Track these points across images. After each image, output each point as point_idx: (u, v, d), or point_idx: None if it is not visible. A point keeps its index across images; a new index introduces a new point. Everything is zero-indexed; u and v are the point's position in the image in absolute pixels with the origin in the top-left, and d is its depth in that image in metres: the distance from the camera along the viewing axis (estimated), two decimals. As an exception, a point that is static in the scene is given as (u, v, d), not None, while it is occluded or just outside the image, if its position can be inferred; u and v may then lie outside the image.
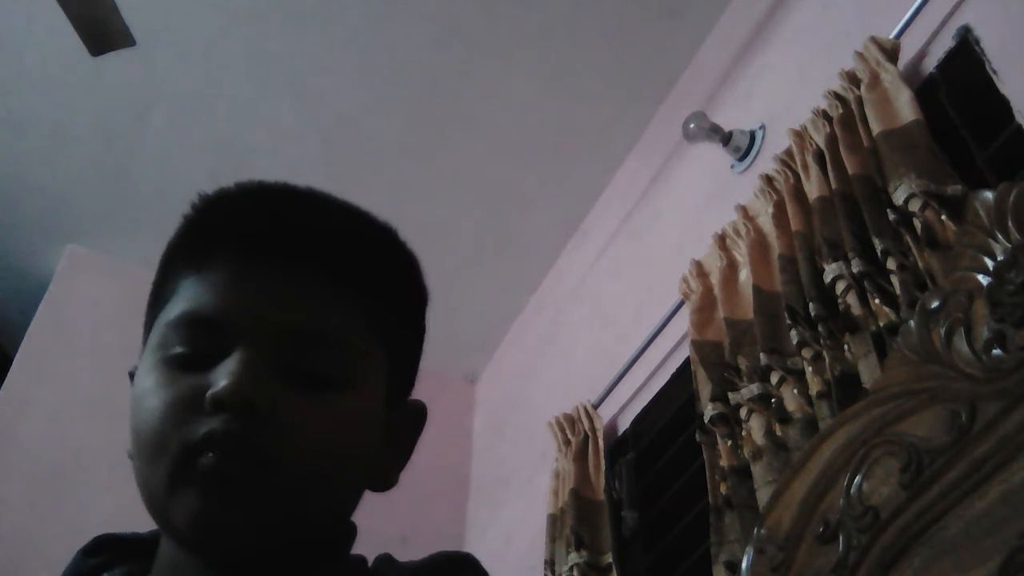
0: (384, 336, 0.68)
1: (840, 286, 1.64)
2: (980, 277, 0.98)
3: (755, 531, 1.16)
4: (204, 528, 0.59)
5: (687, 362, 2.07)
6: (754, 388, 1.74)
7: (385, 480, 0.71)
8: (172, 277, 0.67)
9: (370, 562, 0.70)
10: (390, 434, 0.69)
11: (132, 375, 0.68)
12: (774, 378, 1.72)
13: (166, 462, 0.60)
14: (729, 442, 1.76)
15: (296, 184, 0.70)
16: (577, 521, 2.14)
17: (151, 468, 0.61)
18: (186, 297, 0.65)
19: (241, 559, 0.61)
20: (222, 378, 0.60)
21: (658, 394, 2.34)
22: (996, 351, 0.93)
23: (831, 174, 1.78)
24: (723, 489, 1.72)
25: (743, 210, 2.05)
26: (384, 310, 0.68)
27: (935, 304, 1.03)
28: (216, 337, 0.62)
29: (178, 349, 0.63)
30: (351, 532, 0.70)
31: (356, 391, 0.64)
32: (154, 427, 0.61)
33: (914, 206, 1.54)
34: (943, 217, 1.50)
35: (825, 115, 1.88)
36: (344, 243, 0.67)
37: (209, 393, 0.59)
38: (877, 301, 1.55)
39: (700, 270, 2.14)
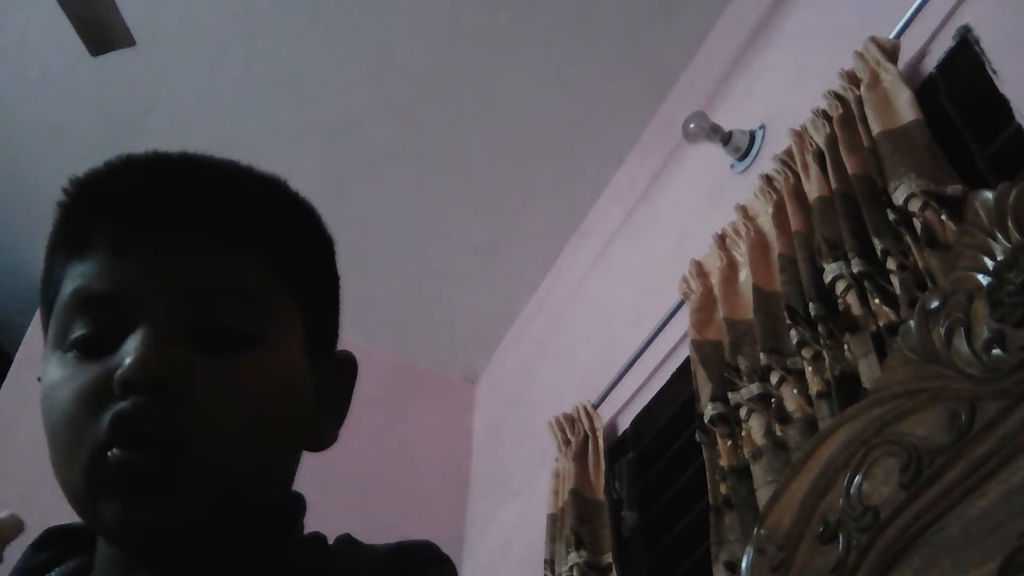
0: (292, 289, 0.64)
1: (840, 286, 1.64)
2: (980, 277, 0.98)
3: (755, 531, 1.16)
4: (133, 529, 0.56)
5: (687, 362, 2.07)
6: (754, 388, 1.74)
7: (322, 439, 0.68)
8: (57, 266, 0.64)
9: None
10: (320, 391, 0.66)
11: (40, 379, 0.63)
12: (774, 378, 1.72)
13: (81, 464, 0.57)
14: (729, 442, 1.76)
15: (168, 152, 0.66)
16: (577, 521, 2.14)
17: (69, 471, 0.58)
18: (74, 278, 0.61)
19: (181, 550, 0.58)
20: (127, 356, 0.56)
21: (658, 394, 2.34)
22: (996, 351, 0.93)
23: (831, 174, 1.78)
24: (723, 489, 1.72)
25: (743, 210, 2.05)
26: (285, 262, 0.64)
27: (935, 304, 1.03)
28: (114, 312, 0.59)
29: (77, 332, 0.59)
30: (299, 504, 0.68)
31: (272, 347, 0.61)
32: (65, 424, 0.58)
33: (914, 206, 1.54)
34: (943, 217, 1.50)
35: (825, 115, 1.88)
36: (231, 199, 0.63)
37: (116, 376, 0.56)
38: (877, 301, 1.55)
39: (700, 270, 2.14)
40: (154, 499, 0.56)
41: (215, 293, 0.60)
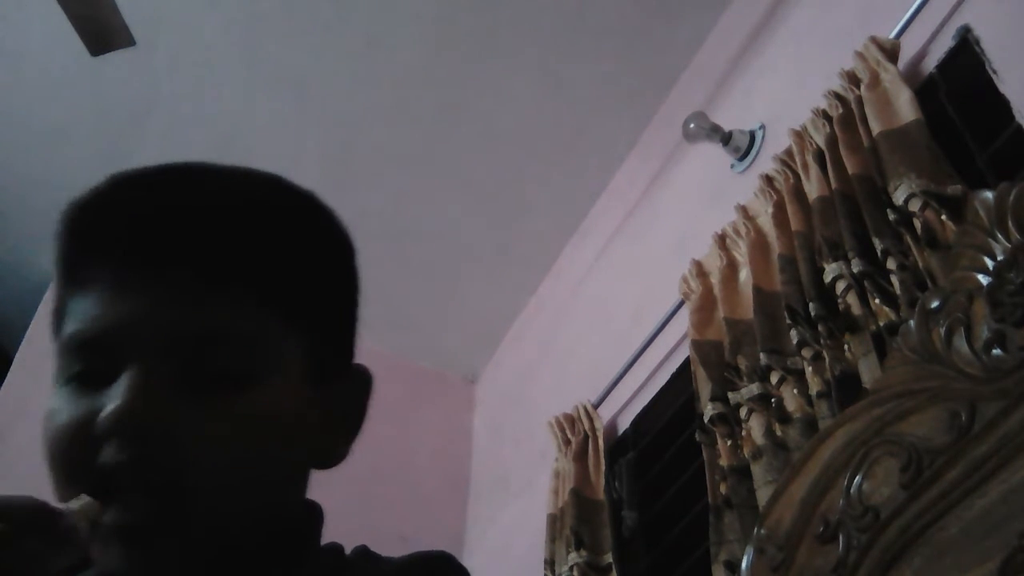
0: (289, 317, 0.63)
1: (840, 286, 1.63)
2: (980, 277, 0.98)
3: (755, 531, 1.16)
4: (134, 574, 0.57)
5: (687, 362, 2.07)
6: (754, 388, 1.74)
7: (330, 458, 0.68)
8: (61, 296, 0.64)
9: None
10: (328, 408, 0.66)
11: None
12: (774, 378, 1.71)
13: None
14: (729, 442, 1.76)
15: (161, 168, 0.65)
16: (577, 521, 2.14)
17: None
18: (73, 318, 0.62)
19: None
20: (112, 401, 0.56)
21: (658, 394, 2.34)
22: (996, 351, 0.93)
23: (831, 174, 1.78)
24: (723, 489, 1.72)
25: (743, 210, 2.05)
26: (280, 291, 0.63)
27: (935, 304, 1.03)
28: (106, 354, 0.59)
29: (74, 368, 0.60)
30: (314, 515, 0.68)
31: (265, 383, 0.61)
32: (58, 458, 0.59)
33: (914, 206, 1.54)
34: (943, 217, 1.50)
35: (825, 115, 1.88)
36: (217, 233, 0.61)
37: (98, 420, 0.56)
38: (877, 301, 1.55)
39: (700, 270, 2.14)
40: (154, 549, 0.56)
41: (203, 337, 0.60)
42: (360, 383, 0.71)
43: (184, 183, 0.64)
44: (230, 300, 0.61)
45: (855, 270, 1.60)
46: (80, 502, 0.54)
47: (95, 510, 0.55)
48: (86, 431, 0.57)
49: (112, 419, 0.56)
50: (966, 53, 1.74)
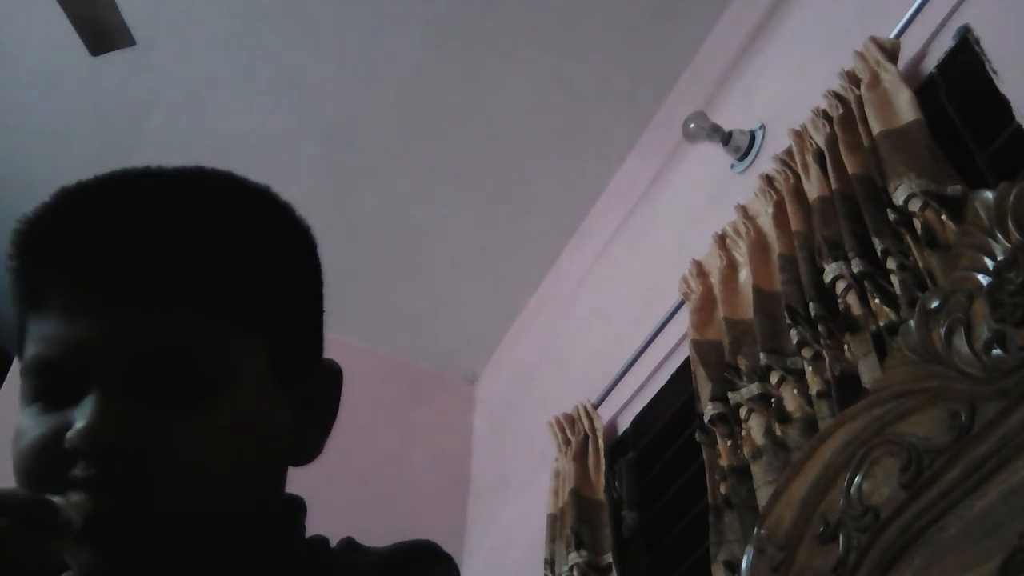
0: (250, 320, 0.62)
1: (840, 286, 1.63)
2: (980, 277, 0.98)
3: (755, 531, 1.16)
4: None
5: (687, 362, 2.07)
6: (754, 388, 1.74)
7: (305, 455, 0.68)
8: (20, 319, 0.64)
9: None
10: (303, 405, 0.66)
11: None
12: (774, 378, 1.71)
13: None
14: (729, 442, 1.76)
15: (109, 177, 0.64)
16: (577, 521, 2.14)
17: None
18: (32, 340, 0.61)
19: None
20: (79, 420, 0.57)
21: (658, 394, 2.34)
22: (996, 351, 0.93)
23: (831, 174, 1.78)
24: (723, 489, 1.72)
25: (743, 210, 2.05)
26: (237, 292, 0.62)
27: (935, 304, 1.03)
28: (68, 375, 0.59)
29: (39, 390, 0.60)
30: (295, 509, 0.68)
31: (231, 389, 0.60)
32: (26, 475, 0.59)
33: (914, 206, 1.54)
34: (943, 217, 1.50)
35: (825, 115, 1.88)
36: (170, 243, 0.60)
37: (66, 438, 0.56)
38: (877, 301, 1.55)
39: (700, 270, 2.14)
40: (120, 557, 0.57)
41: (164, 351, 0.59)
42: (330, 377, 0.71)
43: (134, 193, 0.63)
44: (188, 311, 0.60)
45: (855, 270, 1.60)
46: (76, 496, 0.55)
47: (90, 505, 0.55)
48: (54, 449, 0.57)
49: (80, 437, 0.56)
50: (966, 53, 1.74)
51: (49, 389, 0.60)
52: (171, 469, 0.57)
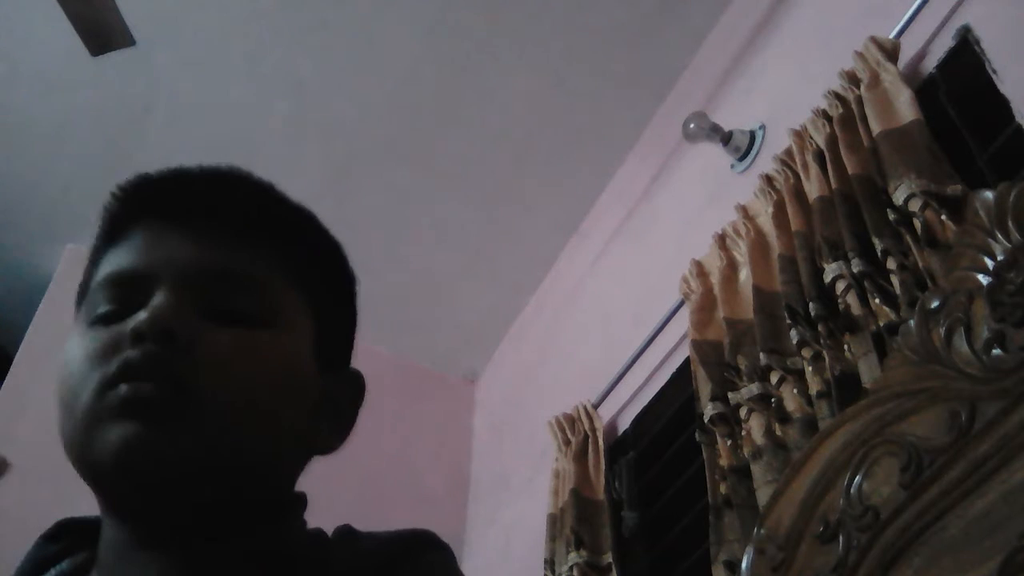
0: (305, 295, 0.68)
1: (840, 286, 1.64)
2: (980, 277, 0.98)
3: (755, 531, 1.16)
4: (126, 459, 0.58)
5: (687, 362, 2.07)
6: (754, 388, 1.74)
7: (320, 442, 0.70)
8: (94, 263, 0.69)
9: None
10: (326, 398, 0.68)
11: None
12: (774, 378, 1.72)
13: (86, 400, 0.60)
14: (729, 442, 1.76)
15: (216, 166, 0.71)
16: (577, 521, 2.14)
17: (71, 415, 0.60)
18: (108, 263, 0.67)
19: (171, 505, 0.60)
20: (143, 313, 0.61)
21: (658, 394, 2.34)
22: (996, 351, 0.93)
23: (831, 174, 1.78)
24: (723, 489, 1.72)
25: (743, 210, 2.05)
26: (302, 264, 0.68)
27: (935, 304, 1.03)
28: (135, 288, 0.64)
29: (101, 309, 0.64)
30: (299, 500, 0.69)
31: (278, 330, 0.65)
32: (75, 377, 0.61)
33: (914, 206, 1.54)
34: (943, 217, 1.50)
35: (825, 115, 1.88)
36: (252, 204, 0.68)
37: (129, 327, 0.60)
38: (877, 301, 1.55)
39: (700, 270, 2.14)
40: (151, 429, 0.58)
41: (229, 279, 0.65)
42: (355, 385, 0.73)
43: (240, 172, 0.70)
44: (257, 255, 0.66)
45: (855, 270, 1.60)
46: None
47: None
48: (112, 347, 0.61)
49: (144, 322, 0.60)
50: (966, 53, 1.74)
51: (116, 298, 0.64)
52: (214, 364, 0.61)
